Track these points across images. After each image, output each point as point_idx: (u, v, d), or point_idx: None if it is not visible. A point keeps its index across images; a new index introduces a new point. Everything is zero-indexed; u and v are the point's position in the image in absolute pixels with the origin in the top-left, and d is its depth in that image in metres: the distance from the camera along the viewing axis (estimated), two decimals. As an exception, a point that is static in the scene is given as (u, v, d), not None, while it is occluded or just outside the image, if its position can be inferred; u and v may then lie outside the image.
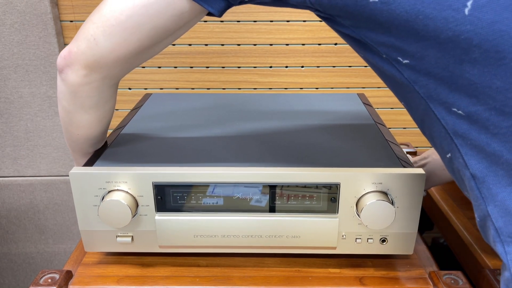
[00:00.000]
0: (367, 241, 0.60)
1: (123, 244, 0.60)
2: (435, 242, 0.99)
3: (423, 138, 1.10)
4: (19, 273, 1.21)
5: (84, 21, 1.00)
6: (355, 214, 0.57)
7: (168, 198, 0.57)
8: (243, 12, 0.98)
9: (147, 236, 0.59)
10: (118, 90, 1.05)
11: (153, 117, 0.77)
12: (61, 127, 1.05)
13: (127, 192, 0.56)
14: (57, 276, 0.58)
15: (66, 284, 0.58)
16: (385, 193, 0.56)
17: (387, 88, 1.06)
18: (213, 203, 0.57)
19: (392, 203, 0.56)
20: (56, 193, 1.11)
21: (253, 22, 0.99)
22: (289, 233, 0.58)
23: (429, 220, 0.88)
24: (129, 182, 0.56)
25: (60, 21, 0.99)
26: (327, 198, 0.57)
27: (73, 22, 0.99)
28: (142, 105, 0.82)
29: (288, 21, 0.99)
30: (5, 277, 1.21)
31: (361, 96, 0.89)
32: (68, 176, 1.10)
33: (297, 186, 0.56)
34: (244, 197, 0.57)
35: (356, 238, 0.59)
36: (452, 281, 0.58)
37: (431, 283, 0.59)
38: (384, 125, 0.74)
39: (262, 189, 0.57)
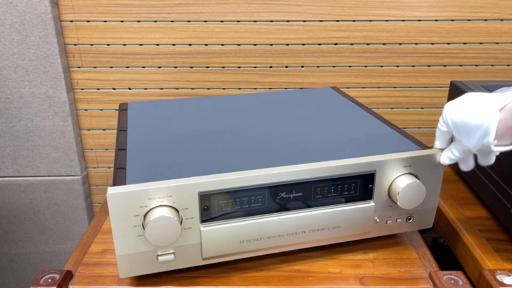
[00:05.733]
0: (396, 221, 0.64)
1: (166, 262, 0.56)
2: (435, 242, 0.99)
3: (423, 138, 1.10)
4: (19, 273, 1.21)
5: (84, 21, 1.00)
6: (388, 198, 0.61)
7: (213, 207, 0.55)
8: (243, 12, 0.98)
9: (190, 250, 0.57)
10: (118, 90, 1.05)
11: (149, 129, 0.71)
12: (61, 127, 1.05)
13: (171, 206, 0.53)
14: (57, 276, 0.58)
15: (66, 284, 0.58)
16: (414, 175, 0.60)
17: (387, 88, 1.06)
18: (257, 206, 0.57)
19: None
20: (56, 193, 1.11)
21: (253, 22, 0.99)
22: (330, 225, 0.60)
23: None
24: (173, 196, 0.53)
25: (60, 21, 0.99)
26: (364, 186, 0.60)
27: (73, 22, 0.99)
28: (127, 119, 0.76)
29: (288, 21, 0.99)
30: (5, 277, 1.21)
31: (335, 89, 0.93)
32: (68, 176, 1.10)
33: (336, 178, 0.58)
34: (287, 196, 0.57)
35: (387, 220, 0.64)
36: (452, 281, 0.58)
37: (431, 283, 0.59)
38: (370, 109, 0.79)
39: (303, 185, 0.57)
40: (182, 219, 0.54)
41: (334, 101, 0.85)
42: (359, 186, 0.60)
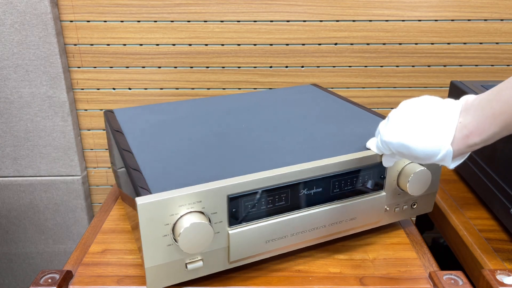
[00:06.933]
0: (403, 208, 0.67)
1: (194, 270, 0.55)
2: (435, 242, 0.99)
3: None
4: (19, 273, 1.21)
5: (84, 21, 1.00)
6: (396, 186, 0.64)
7: (241, 209, 0.55)
8: (243, 12, 0.98)
9: (218, 255, 0.56)
10: (118, 90, 1.05)
11: (146, 132, 0.69)
12: (61, 127, 1.05)
13: (200, 212, 0.52)
14: (57, 276, 0.58)
15: (66, 284, 0.58)
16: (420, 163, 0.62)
17: (387, 88, 1.06)
18: (281, 204, 0.57)
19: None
20: (56, 193, 1.11)
21: (253, 22, 0.99)
22: (347, 217, 0.62)
23: (429, 220, 0.88)
24: (203, 201, 0.52)
25: (60, 21, 0.99)
26: (377, 177, 0.62)
27: (73, 22, 0.99)
28: (118, 123, 0.73)
29: (288, 21, 0.99)
30: (5, 277, 1.21)
31: (316, 86, 0.93)
32: (68, 176, 1.10)
33: (353, 171, 0.60)
34: (308, 192, 0.58)
35: (395, 208, 0.67)
36: (452, 281, 0.57)
37: (431, 283, 0.59)
38: (358, 104, 0.80)
39: (323, 180, 0.59)
40: (212, 224, 0.53)
41: (321, 97, 0.85)
42: (373, 177, 0.62)
